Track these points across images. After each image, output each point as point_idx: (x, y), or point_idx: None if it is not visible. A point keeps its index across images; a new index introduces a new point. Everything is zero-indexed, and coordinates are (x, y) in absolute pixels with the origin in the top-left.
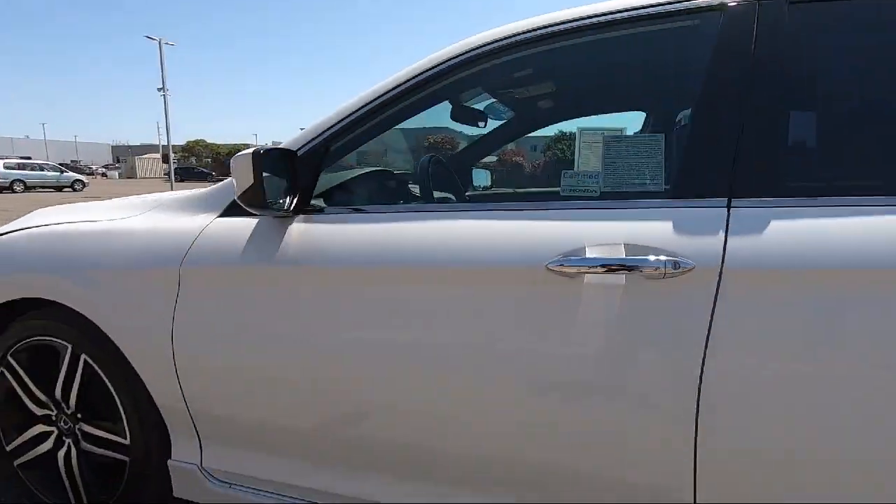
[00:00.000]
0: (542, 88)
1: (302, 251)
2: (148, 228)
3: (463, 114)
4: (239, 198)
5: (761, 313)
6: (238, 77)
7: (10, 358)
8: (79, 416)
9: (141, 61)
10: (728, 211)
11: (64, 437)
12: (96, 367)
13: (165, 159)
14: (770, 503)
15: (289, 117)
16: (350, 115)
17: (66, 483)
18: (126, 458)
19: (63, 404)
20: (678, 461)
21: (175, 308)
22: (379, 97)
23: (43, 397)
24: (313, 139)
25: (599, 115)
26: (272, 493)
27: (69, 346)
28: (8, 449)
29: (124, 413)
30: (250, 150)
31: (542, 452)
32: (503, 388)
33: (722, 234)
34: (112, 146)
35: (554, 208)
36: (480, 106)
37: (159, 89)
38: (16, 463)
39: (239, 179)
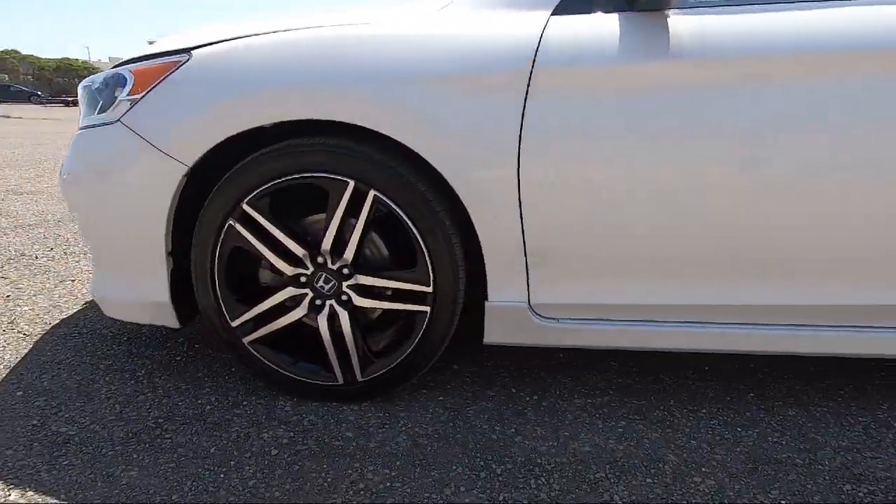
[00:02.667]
0: None
1: (707, 44)
2: (462, 32)
3: None
4: None
5: None
6: None
7: (246, 207)
8: (345, 270)
9: None
10: None
11: (319, 300)
12: (391, 204)
13: None
14: None
15: (132, 30)
16: None
17: (332, 352)
18: (424, 309)
19: (328, 257)
20: None
21: (523, 119)
22: None
23: (300, 251)
24: None
25: None
26: (605, 319)
27: (350, 182)
28: (234, 324)
29: (429, 255)
30: None
31: None
32: None
33: None
34: None
35: None
36: None
37: None
38: (247, 340)
39: None
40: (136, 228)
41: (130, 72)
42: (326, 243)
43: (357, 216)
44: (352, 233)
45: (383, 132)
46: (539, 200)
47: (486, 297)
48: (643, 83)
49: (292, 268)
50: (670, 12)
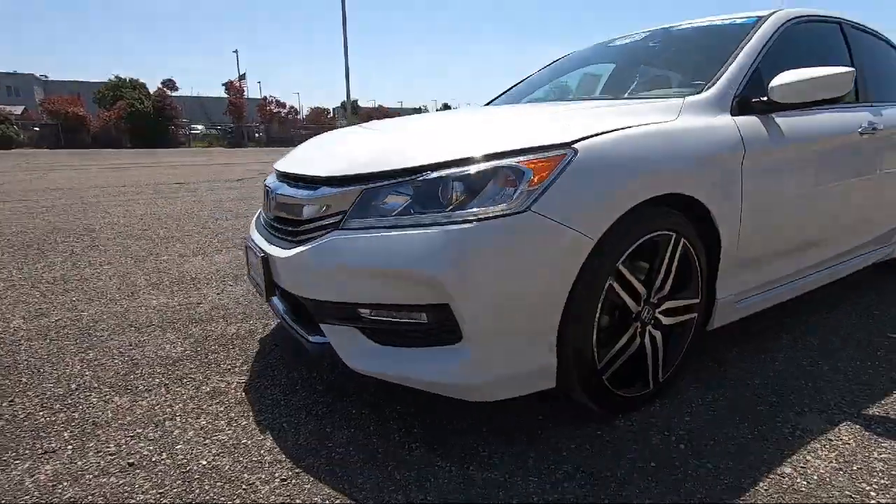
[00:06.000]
0: None
1: (797, 134)
2: (705, 129)
3: None
4: None
5: None
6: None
7: (620, 266)
8: (654, 300)
9: None
10: None
11: (641, 327)
12: (689, 246)
13: None
14: None
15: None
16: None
17: (651, 365)
18: (694, 315)
19: (651, 293)
20: None
21: (742, 177)
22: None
23: (643, 291)
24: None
25: None
26: (766, 289)
27: (673, 235)
28: (599, 366)
29: (701, 276)
30: None
31: None
32: None
33: None
34: None
35: None
36: None
37: None
38: (605, 377)
39: None
40: (541, 299)
41: (526, 165)
42: (660, 282)
43: (668, 259)
44: (671, 271)
45: (695, 197)
46: (748, 223)
47: (714, 297)
48: (789, 156)
49: (637, 306)
50: (779, 115)
